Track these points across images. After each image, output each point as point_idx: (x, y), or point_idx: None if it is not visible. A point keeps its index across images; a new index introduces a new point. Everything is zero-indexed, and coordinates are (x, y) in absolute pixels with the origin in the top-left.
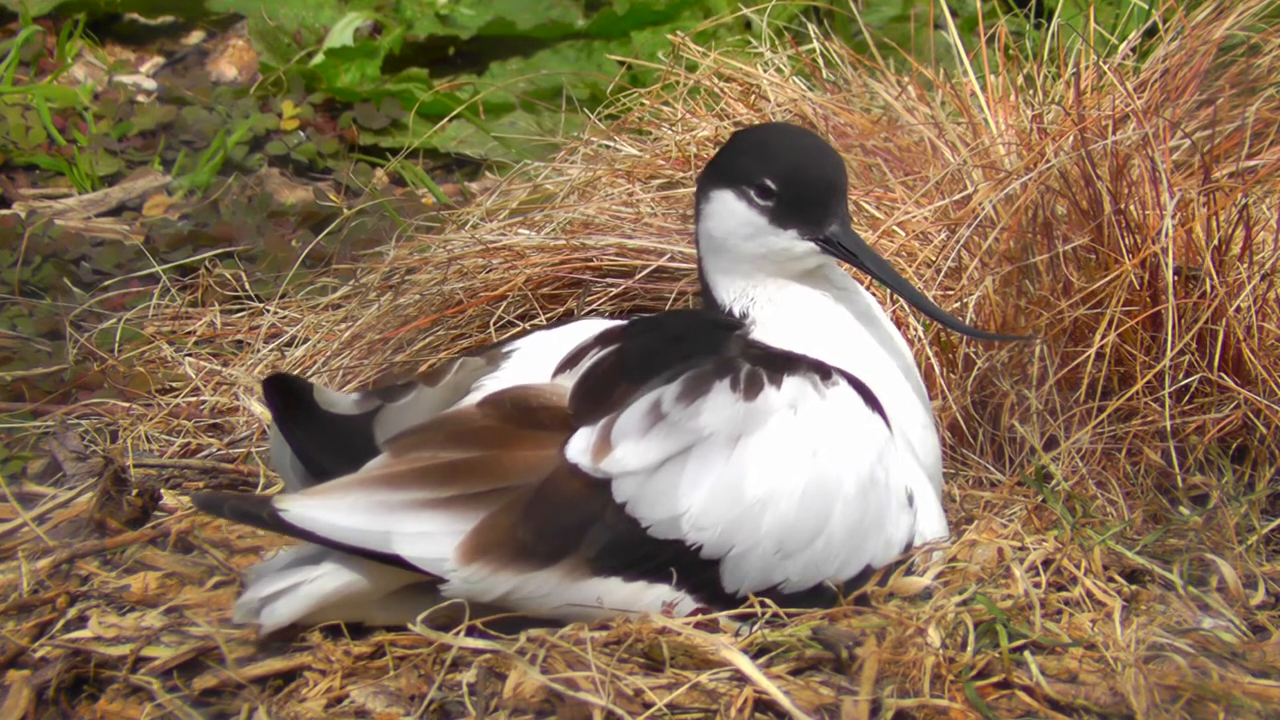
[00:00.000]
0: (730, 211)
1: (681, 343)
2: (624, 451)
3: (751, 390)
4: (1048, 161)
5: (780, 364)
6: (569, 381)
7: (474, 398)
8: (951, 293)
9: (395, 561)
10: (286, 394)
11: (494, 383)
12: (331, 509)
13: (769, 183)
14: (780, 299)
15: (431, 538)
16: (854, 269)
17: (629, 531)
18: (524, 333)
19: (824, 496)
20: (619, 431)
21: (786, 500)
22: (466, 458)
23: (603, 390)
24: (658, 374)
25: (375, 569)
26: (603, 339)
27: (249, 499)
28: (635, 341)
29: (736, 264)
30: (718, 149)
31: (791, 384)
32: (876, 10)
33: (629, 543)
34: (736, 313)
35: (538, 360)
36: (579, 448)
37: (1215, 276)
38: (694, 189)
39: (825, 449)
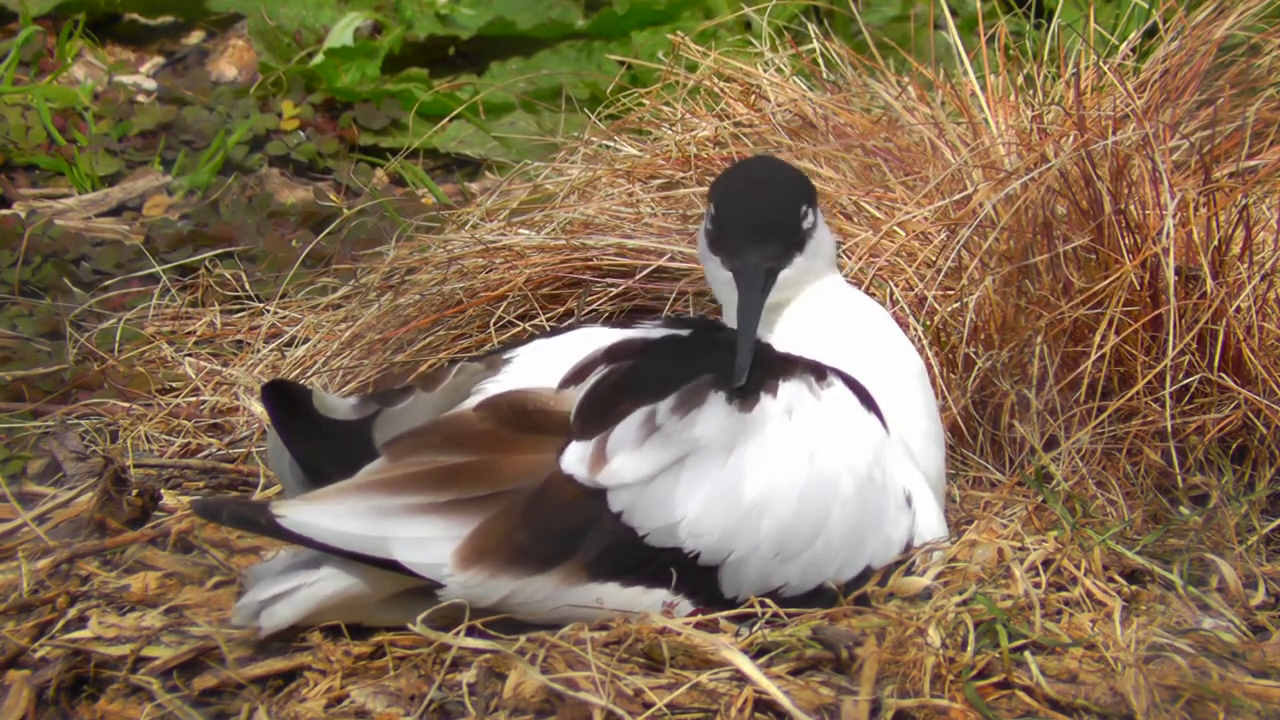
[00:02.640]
0: (704, 223)
1: (693, 361)
2: (620, 464)
3: (746, 400)
4: (1048, 162)
5: (775, 369)
6: (576, 394)
7: (472, 402)
8: (951, 292)
9: (393, 567)
10: (285, 400)
11: (494, 386)
12: (329, 515)
13: (713, 208)
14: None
15: (429, 543)
16: None
17: (626, 539)
18: (524, 336)
19: (822, 498)
20: (614, 444)
21: (784, 503)
22: (463, 462)
23: (607, 407)
24: (665, 394)
25: (374, 573)
26: (610, 355)
27: (247, 505)
28: (644, 361)
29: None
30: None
31: (787, 389)
32: (876, 10)
33: (626, 549)
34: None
35: (538, 366)
36: (574, 458)
37: (1216, 276)
38: (694, 188)
39: (822, 450)
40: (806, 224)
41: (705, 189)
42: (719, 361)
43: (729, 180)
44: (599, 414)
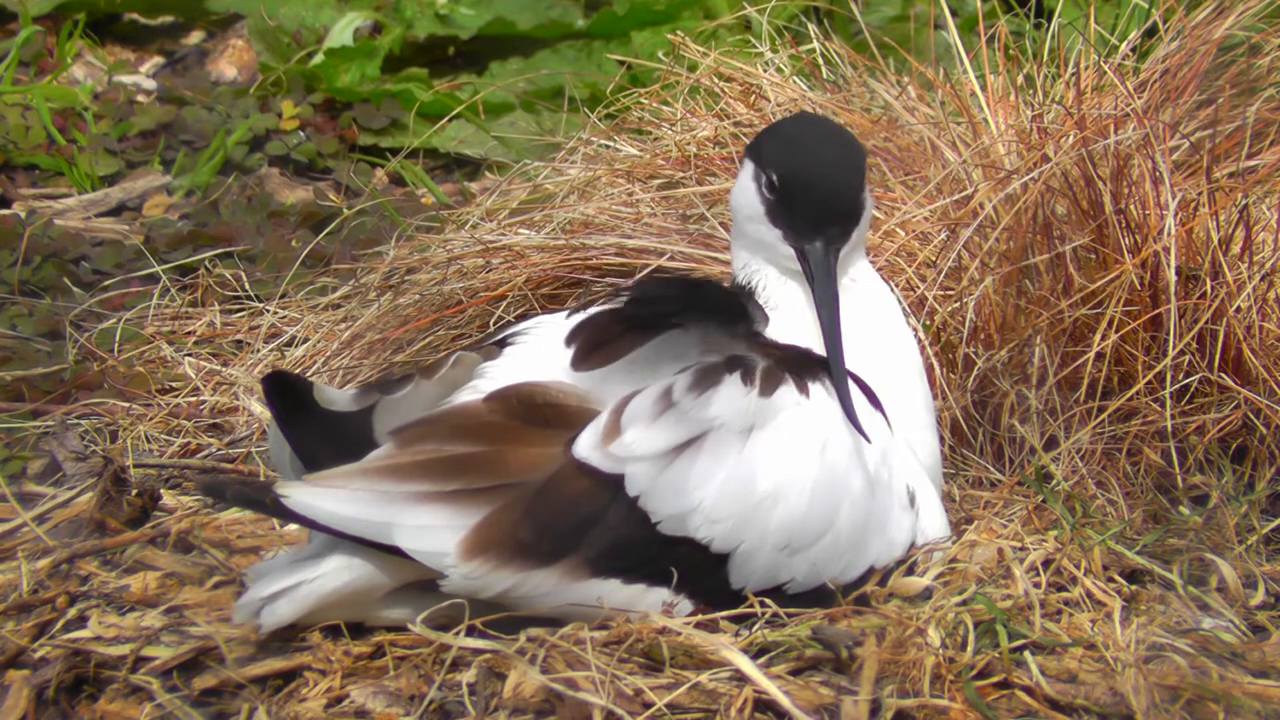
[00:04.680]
0: (747, 188)
1: (686, 292)
2: (633, 435)
3: (761, 384)
4: (1048, 161)
5: (790, 361)
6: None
7: (478, 384)
8: (951, 293)
9: (395, 553)
10: (286, 392)
11: (495, 370)
12: (334, 497)
13: (774, 178)
14: (786, 279)
15: (433, 531)
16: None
17: (638, 529)
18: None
19: (833, 493)
20: (629, 417)
21: (796, 496)
22: (471, 452)
23: (601, 335)
24: (658, 328)
25: (376, 567)
26: (614, 297)
27: (253, 485)
28: (641, 290)
29: (744, 237)
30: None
31: (801, 381)
32: (876, 10)
33: (635, 541)
34: (746, 285)
35: (540, 346)
36: (587, 443)
37: (1216, 276)
38: (694, 188)
39: (833, 446)
40: (863, 195)
41: (705, 189)
42: (720, 300)
43: (793, 145)
44: (594, 342)
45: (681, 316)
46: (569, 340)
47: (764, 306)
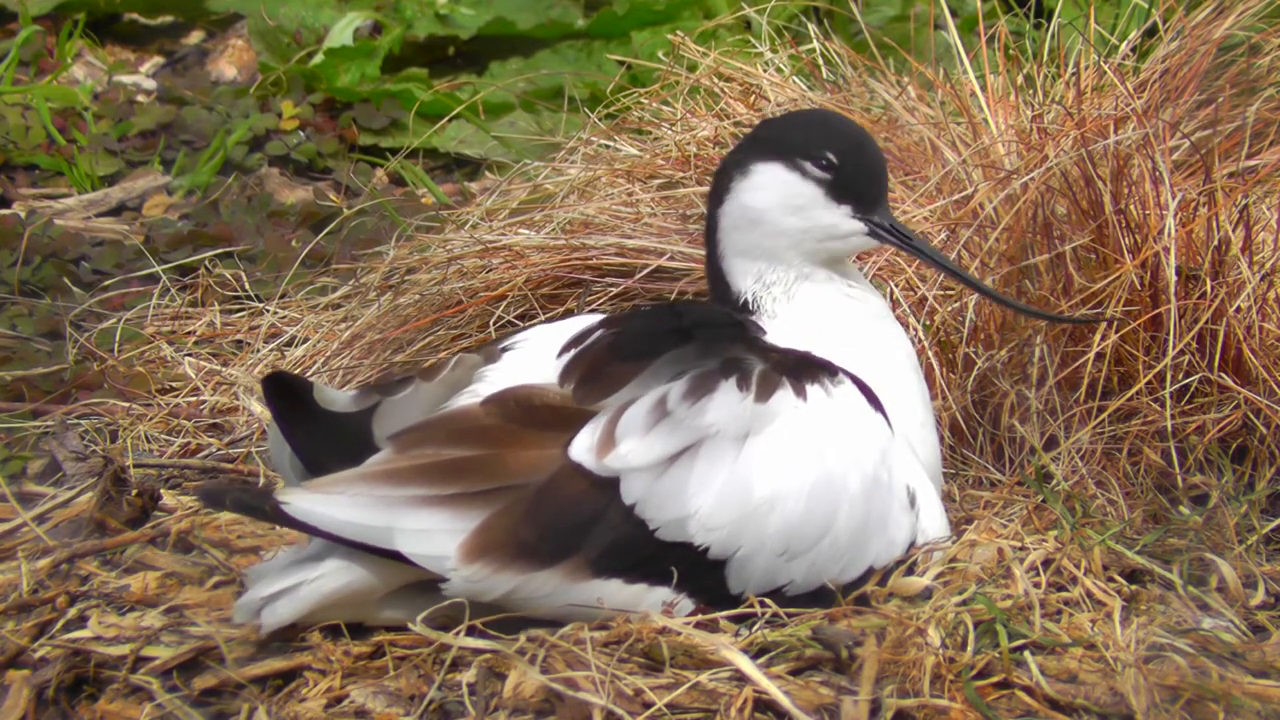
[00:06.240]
0: (780, 183)
1: (682, 320)
2: (628, 448)
3: (757, 389)
4: (1048, 162)
5: (787, 364)
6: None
7: (476, 388)
8: (951, 293)
9: (396, 558)
10: (286, 393)
11: (495, 373)
12: (333, 503)
13: (831, 156)
14: (795, 288)
15: (433, 535)
16: (905, 253)
17: (635, 533)
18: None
19: (830, 497)
20: (623, 428)
21: (794, 500)
22: (469, 455)
23: (600, 366)
24: (657, 353)
25: (376, 568)
26: (608, 322)
27: (251, 492)
28: (635, 321)
29: (764, 241)
30: (749, 131)
31: (798, 384)
32: (876, 10)
33: (634, 544)
34: (749, 299)
35: (537, 352)
36: (583, 446)
37: (1216, 276)
38: (694, 188)
39: (831, 449)
40: None
41: (705, 189)
42: (715, 320)
43: (829, 125)
44: (592, 374)
45: (678, 346)
46: (564, 374)
47: (763, 319)
